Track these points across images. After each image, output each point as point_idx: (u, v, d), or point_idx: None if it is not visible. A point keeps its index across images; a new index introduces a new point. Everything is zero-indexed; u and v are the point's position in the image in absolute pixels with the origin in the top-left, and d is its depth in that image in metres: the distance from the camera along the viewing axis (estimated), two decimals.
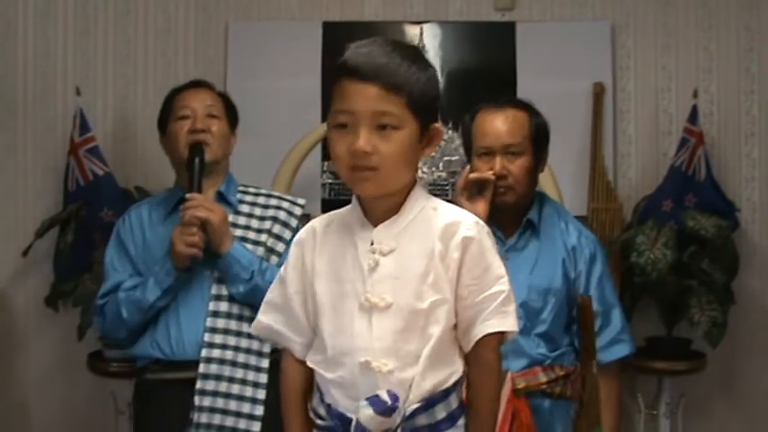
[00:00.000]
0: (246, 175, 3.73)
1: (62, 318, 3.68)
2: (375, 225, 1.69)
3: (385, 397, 1.62)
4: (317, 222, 1.77)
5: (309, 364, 1.73)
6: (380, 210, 1.69)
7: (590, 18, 3.89)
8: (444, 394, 1.68)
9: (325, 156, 3.79)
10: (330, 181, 3.85)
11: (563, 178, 3.61)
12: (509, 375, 2.30)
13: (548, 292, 2.43)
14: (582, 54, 3.83)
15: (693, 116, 3.65)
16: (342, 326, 1.67)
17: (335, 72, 1.65)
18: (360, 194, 1.69)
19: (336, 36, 3.83)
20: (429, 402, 1.65)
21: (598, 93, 3.80)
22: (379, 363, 1.62)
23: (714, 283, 3.45)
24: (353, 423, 1.62)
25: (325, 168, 3.84)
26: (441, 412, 1.67)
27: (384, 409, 1.61)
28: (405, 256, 1.66)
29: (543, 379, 2.40)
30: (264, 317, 1.79)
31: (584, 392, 2.35)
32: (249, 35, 3.90)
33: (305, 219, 1.85)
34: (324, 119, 3.74)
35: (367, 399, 1.62)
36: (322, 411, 1.70)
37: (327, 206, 3.68)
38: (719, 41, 3.85)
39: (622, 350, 2.53)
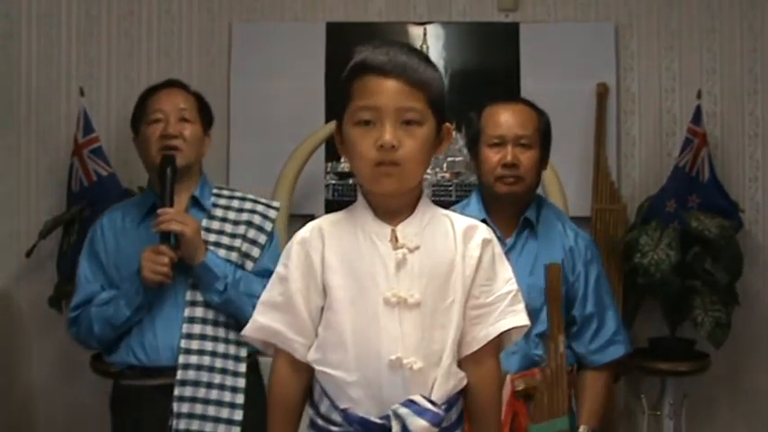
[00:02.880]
0: (250, 175, 3.76)
1: (65, 318, 3.64)
2: (390, 224, 1.68)
3: (425, 403, 1.60)
4: (322, 222, 1.75)
5: (318, 366, 1.67)
6: (393, 209, 1.69)
7: (593, 19, 3.89)
8: (458, 396, 1.68)
9: (329, 156, 3.79)
10: (334, 182, 3.85)
11: (566, 179, 3.61)
12: (508, 377, 2.30)
13: None
14: (585, 55, 3.83)
15: (697, 117, 3.65)
16: (365, 322, 1.63)
17: (354, 70, 1.66)
18: (379, 191, 1.67)
19: (340, 37, 3.84)
20: (449, 404, 1.65)
21: (602, 93, 3.80)
22: (410, 360, 1.60)
23: (718, 283, 3.45)
24: (396, 431, 1.59)
25: (328, 169, 3.84)
26: (454, 414, 1.67)
27: (438, 420, 1.61)
28: (429, 254, 1.67)
29: (541, 380, 2.40)
30: (262, 317, 1.72)
31: (547, 370, 2.29)
32: (253, 36, 3.90)
33: (308, 220, 1.82)
34: (328, 119, 3.74)
35: (405, 405, 1.60)
36: (336, 417, 1.64)
37: (331, 207, 3.69)
38: (723, 42, 3.86)
39: (618, 351, 2.53)
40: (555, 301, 2.30)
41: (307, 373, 1.71)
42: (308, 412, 1.73)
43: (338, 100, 1.70)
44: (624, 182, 3.86)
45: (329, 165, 3.83)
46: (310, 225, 1.75)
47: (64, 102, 3.85)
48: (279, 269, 1.74)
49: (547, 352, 2.33)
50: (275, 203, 2.62)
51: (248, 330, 1.75)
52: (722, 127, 3.85)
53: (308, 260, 1.69)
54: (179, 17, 3.94)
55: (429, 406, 1.60)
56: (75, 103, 3.72)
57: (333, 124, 1.76)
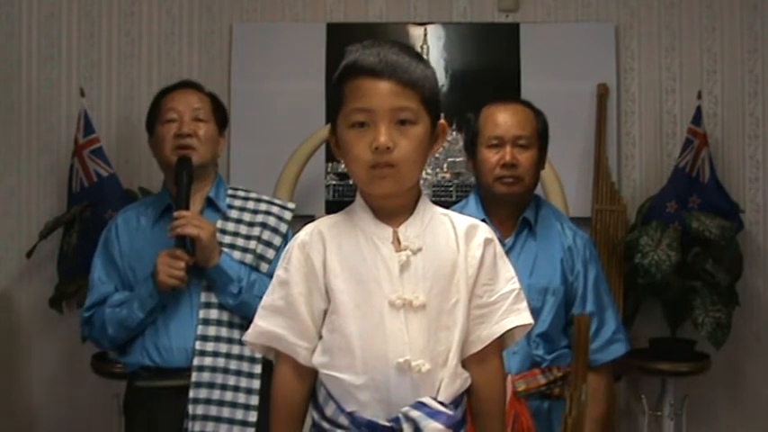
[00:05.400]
0: (250, 176, 3.76)
1: (66, 319, 3.68)
2: (390, 225, 1.68)
3: (437, 405, 1.61)
4: (321, 224, 1.74)
5: (324, 370, 1.66)
6: (392, 210, 1.69)
7: (594, 19, 3.89)
8: (463, 396, 1.69)
9: (329, 157, 3.79)
10: (334, 182, 3.85)
11: (567, 180, 3.61)
12: (509, 378, 2.30)
13: (546, 292, 2.44)
14: (586, 55, 3.83)
15: (697, 117, 3.65)
16: (371, 326, 1.62)
17: (345, 72, 1.65)
18: (376, 193, 1.66)
19: (340, 37, 3.83)
20: (455, 404, 1.66)
21: (602, 94, 3.80)
22: (418, 363, 1.60)
23: (718, 284, 3.45)
24: None
25: (329, 170, 3.84)
26: (458, 414, 1.67)
27: (453, 422, 1.61)
28: (432, 255, 1.66)
29: (542, 381, 2.40)
30: (264, 321, 1.71)
31: (569, 415, 2.30)
32: (253, 37, 3.90)
33: (309, 220, 1.81)
34: (328, 120, 3.73)
35: (416, 408, 1.60)
36: (343, 420, 1.63)
37: (331, 207, 3.69)
38: (723, 43, 3.86)
39: (619, 350, 2.53)
40: (582, 351, 2.28)
41: (309, 376, 1.70)
42: (312, 415, 1.72)
43: (332, 102, 1.69)
44: (624, 182, 3.86)
45: (330, 165, 3.83)
46: (309, 227, 1.74)
47: (64, 102, 3.85)
48: (279, 273, 1.72)
49: (568, 399, 2.31)
50: (290, 205, 2.63)
51: (250, 336, 1.74)
52: (723, 128, 3.85)
53: (308, 263, 1.69)
54: (179, 18, 3.94)
55: (441, 408, 1.61)
56: (76, 103, 3.72)
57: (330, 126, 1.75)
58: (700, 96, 3.68)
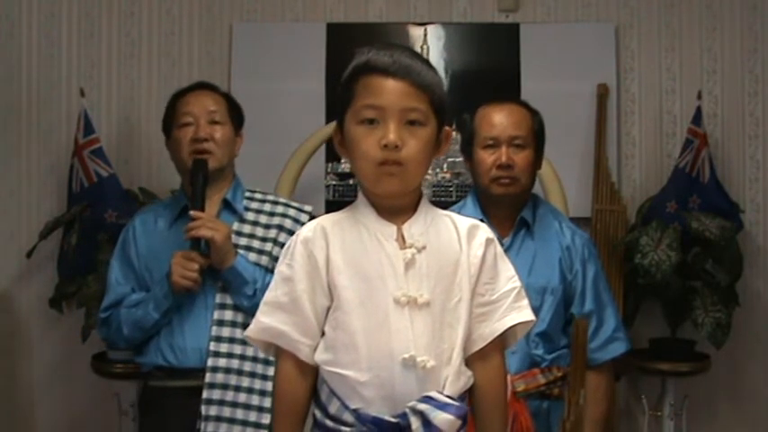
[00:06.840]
0: (250, 176, 3.74)
1: (66, 319, 3.68)
2: (393, 223, 1.69)
3: (444, 398, 1.62)
4: (324, 221, 1.75)
5: (328, 367, 1.67)
6: (395, 208, 1.70)
7: (594, 19, 3.89)
8: (465, 394, 1.69)
9: (330, 157, 3.80)
10: (334, 182, 3.84)
11: (567, 180, 3.61)
12: (509, 378, 2.30)
13: (545, 291, 2.45)
14: (586, 55, 3.83)
15: (697, 118, 3.64)
16: (376, 323, 1.64)
17: (357, 70, 1.68)
18: (381, 191, 1.68)
19: (340, 37, 3.84)
20: (459, 400, 1.66)
21: (602, 94, 3.80)
22: (423, 359, 1.62)
23: (718, 284, 3.45)
24: (416, 427, 1.60)
25: (329, 170, 3.84)
26: (464, 406, 1.68)
27: (462, 412, 1.62)
28: (436, 254, 1.68)
29: (542, 380, 2.41)
30: (266, 317, 1.71)
31: (567, 419, 2.28)
32: (253, 37, 3.90)
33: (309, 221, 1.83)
34: (328, 120, 3.74)
35: (423, 401, 1.61)
36: (348, 418, 1.64)
37: (331, 207, 3.68)
38: (724, 43, 3.85)
39: (618, 348, 2.54)
40: (580, 355, 2.29)
41: (311, 373, 1.71)
42: (314, 414, 1.73)
43: (339, 100, 1.72)
44: (625, 182, 3.86)
45: (329, 165, 3.83)
46: (312, 224, 1.76)
47: (64, 102, 3.85)
48: (282, 269, 1.73)
49: (566, 403, 2.32)
50: (307, 208, 2.64)
51: (252, 331, 1.74)
52: (723, 128, 3.85)
53: (311, 260, 1.69)
54: (179, 18, 3.94)
55: (448, 400, 1.62)
56: (76, 103, 3.72)
57: (333, 125, 1.77)
58: (700, 96, 3.67)
